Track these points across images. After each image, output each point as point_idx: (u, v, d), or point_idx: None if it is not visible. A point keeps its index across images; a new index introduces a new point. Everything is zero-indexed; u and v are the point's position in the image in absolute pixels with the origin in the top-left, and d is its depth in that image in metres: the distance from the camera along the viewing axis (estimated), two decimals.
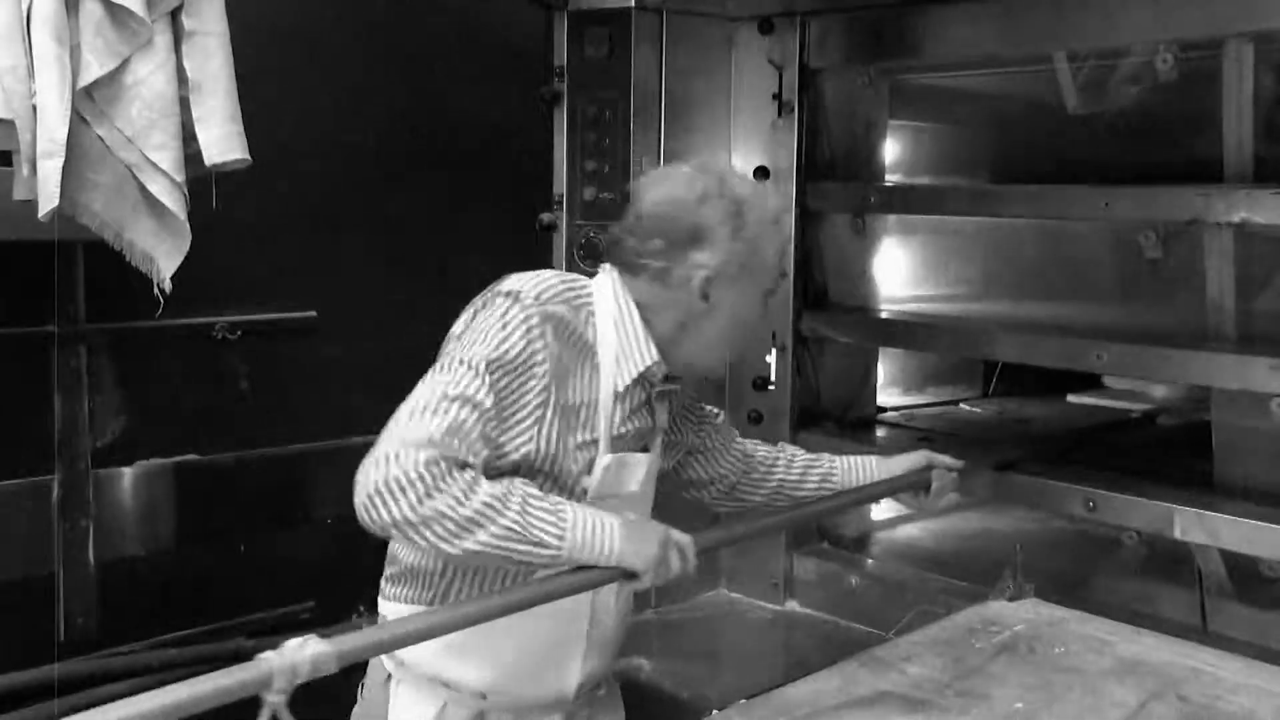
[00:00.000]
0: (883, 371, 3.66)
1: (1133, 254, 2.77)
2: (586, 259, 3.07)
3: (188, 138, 2.26)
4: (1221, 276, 2.66)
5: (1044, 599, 2.48)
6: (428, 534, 1.63)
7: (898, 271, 3.56)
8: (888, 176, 3.51)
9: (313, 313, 2.97)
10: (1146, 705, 1.96)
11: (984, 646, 2.22)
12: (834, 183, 3.29)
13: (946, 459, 2.28)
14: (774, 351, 3.26)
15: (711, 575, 3.31)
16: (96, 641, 2.68)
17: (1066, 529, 3.22)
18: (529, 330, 1.73)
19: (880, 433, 3.44)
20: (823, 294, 3.36)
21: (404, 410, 1.68)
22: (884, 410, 3.58)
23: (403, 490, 1.62)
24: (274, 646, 1.57)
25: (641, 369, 1.84)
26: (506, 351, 1.71)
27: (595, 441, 1.82)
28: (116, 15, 2.13)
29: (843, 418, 3.40)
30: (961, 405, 3.66)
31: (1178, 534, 2.54)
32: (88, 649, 2.66)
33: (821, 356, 3.34)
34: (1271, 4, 2.45)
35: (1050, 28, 2.78)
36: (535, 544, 1.65)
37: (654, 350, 1.84)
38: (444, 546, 1.63)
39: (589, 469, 1.82)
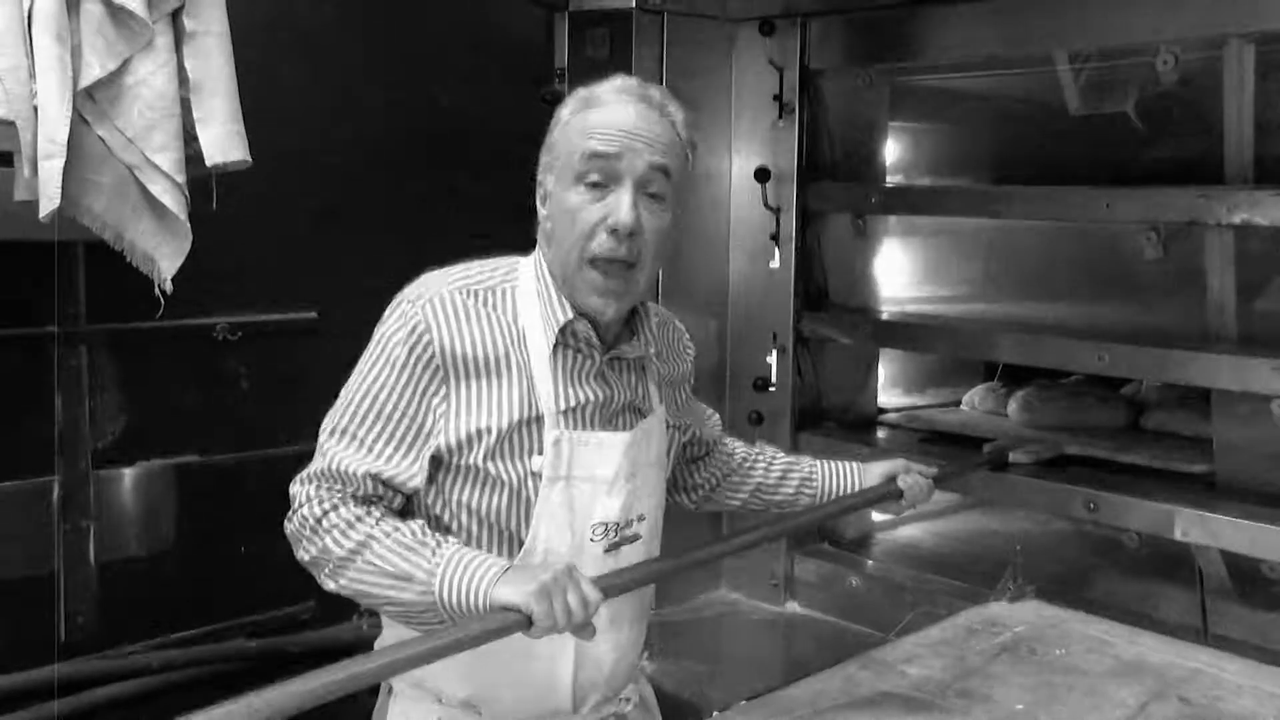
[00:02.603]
0: (883, 372, 3.66)
1: (1133, 254, 2.77)
2: None
3: (188, 138, 2.27)
4: (1222, 277, 2.66)
5: (1045, 600, 2.48)
6: (320, 574, 1.70)
7: (898, 272, 3.57)
8: (888, 177, 3.51)
9: (313, 313, 2.97)
10: (1147, 706, 1.96)
11: (984, 648, 2.22)
12: (834, 183, 3.29)
13: (920, 467, 2.19)
14: (774, 352, 3.26)
15: (712, 576, 3.31)
16: (96, 641, 2.68)
17: (1066, 529, 3.22)
18: (409, 333, 1.70)
19: (881, 433, 3.44)
20: (823, 294, 3.36)
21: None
22: (884, 411, 3.58)
23: (299, 532, 1.70)
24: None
25: (558, 327, 1.69)
26: (381, 368, 1.71)
27: (540, 418, 1.68)
28: (117, 16, 2.13)
29: (843, 418, 3.40)
30: (962, 405, 3.66)
31: (1178, 535, 2.54)
32: (88, 649, 2.66)
33: (822, 357, 3.35)
34: (1271, 4, 2.45)
35: (1050, 28, 2.78)
36: (402, 577, 1.59)
37: (568, 307, 1.68)
38: (327, 584, 1.69)
39: (539, 448, 1.68)
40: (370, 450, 1.67)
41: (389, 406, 1.68)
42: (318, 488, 1.69)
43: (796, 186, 3.21)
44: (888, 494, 2.13)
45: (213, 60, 2.26)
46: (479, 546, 1.72)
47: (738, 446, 2.13)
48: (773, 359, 3.26)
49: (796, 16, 3.17)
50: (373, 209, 3.07)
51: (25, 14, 2.04)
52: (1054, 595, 2.48)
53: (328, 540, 1.66)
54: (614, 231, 1.63)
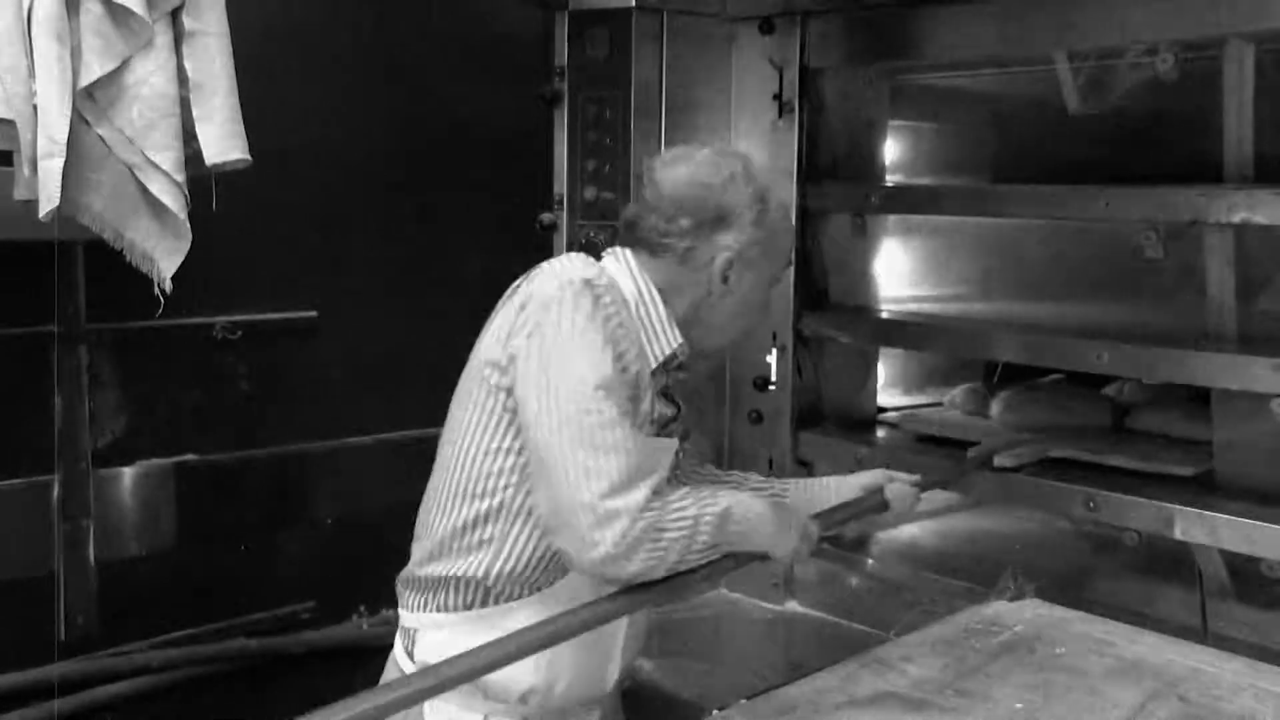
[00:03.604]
0: (883, 371, 3.66)
1: (1133, 254, 2.76)
2: None
3: (188, 138, 2.26)
4: (1222, 276, 2.66)
5: (1044, 599, 2.48)
6: (660, 570, 1.69)
7: (898, 271, 3.56)
8: (888, 177, 3.51)
9: (313, 313, 2.98)
10: (1147, 706, 1.96)
11: (984, 647, 2.22)
12: (834, 183, 3.29)
13: (904, 476, 2.23)
14: (774, 351, 3.26)
15: None
16: (96, 641, 2.68)
17: (1066, 529, 3.21)
18: (606, 320, 1.72)
19: (880, 433, 3.44)
20: (823, 294, 3.36)
21: (572, 467, 1.64)
22: (884, 410, 3.58)
23: (639, 542, 1.64)
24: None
25: (670, 350, 1.83)
26: (611, 361, 1.70)
27: (644, 425, 1.81)
28: (117, 15, 2.13)
29: (843, 418, 3.39)
30: (943, 406, 3.65)
31: (1178, 534, 2.54)
32: (88, 649, 2.66)
33: (822, 357, 3.34)
34: (1271, 4, 2.45)
35: (1050, 28, 2.78)
36: (712, 547, 1.72)
37: (678, 333, 1.85)
38: (675, 570, 1.70)
39: None
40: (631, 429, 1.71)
41: (616, 388, 1.71)
42: (633, 513, 1.64)
43: (796, 186, 3.21)
44: (874, 506, 2.17)
45: (212, 60, 2.26)
46: None
47: (716, 472, 2.20)
48: (772, 358, 3.25)
49: (796, 15, 3.16)
50: (372, 209, 3.07)
51: (25, 14, 2.04)
52: (1054, 595, 2.48)
53: (670, 535, 1.67)
54: None
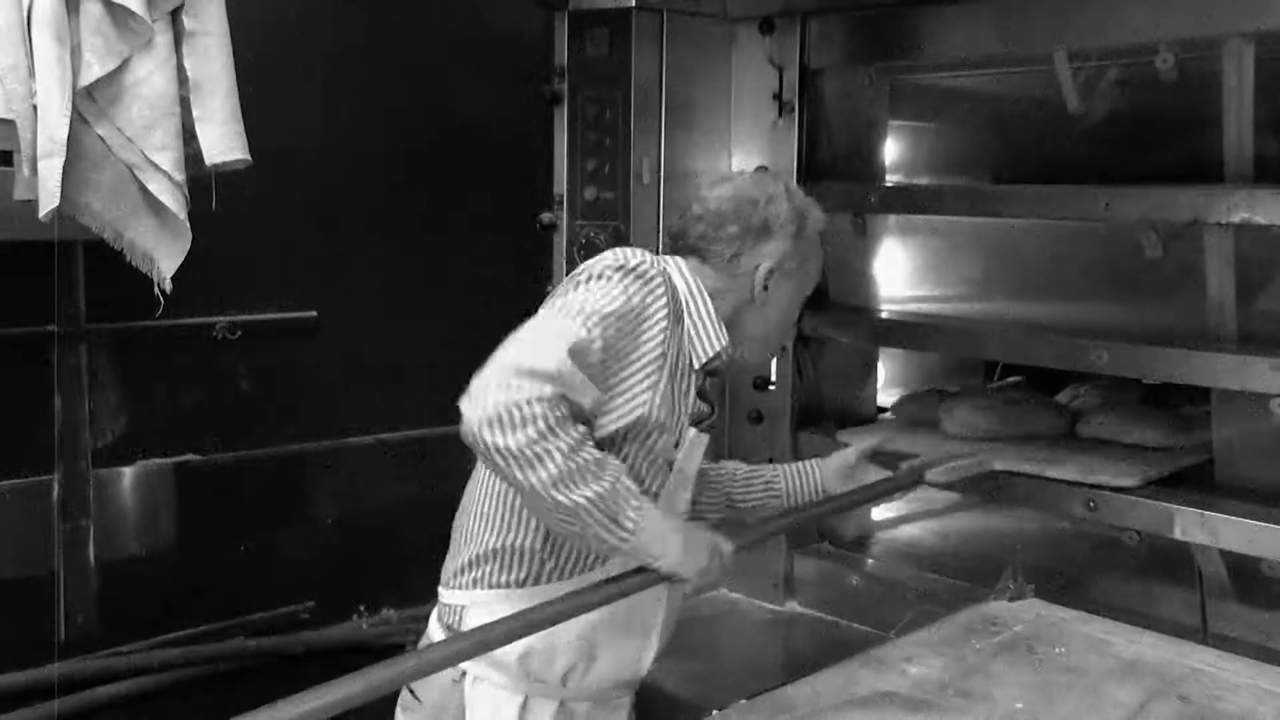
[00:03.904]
0: (883, 371, 3.66)
1: (1133, 254, 2.76)
2: (586, 259, 3.06)
3: (188, 137, 2.27)
4: (1222, 276, 2.66)
5: (1044, 599, 2.48)
6: (531, 475, 1.64)
7: (898, 271, 3.56)
8: (888, 176, 3.51)
9: (313, 313, 2.98)
10: (1147, 705, 1.96)
11: (984, 647, 2.22)
12: (834, 182, 3.28)
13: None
14: None
15: None
16: (96, 641, 2.68)
17: (1066, 529, 3.21)
18: (652, 289, 1.81)
19: None
20: (823, 294, 3.35)
21: (522, 339, 1.71)
22: (884, 410, 3.58)
23: (524, 422, 1.63)
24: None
25: (718, 348, 1.92)
26: (625, 308, 1.77)
27: (685, 418, 1.91)
28: (117, 15, 2.13)
29: (843, 418, 3.39)
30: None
31: (1178, 534, 2.54)
32: (88, 649, 2.66)
33: (822, 356, 3.34)
34: (1271, 4, 2.45)
35: (1050, 28, 2.78)
36: (613, 521, 1.69)
37: (725, 333, 1.94)
38: (541, 492, 1.65)
39: (678, 442, 1.91)
40: (605, 381, 1.76)
41: (636, 354, 1.79)
42: (555, 391, 1.65)
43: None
44: (910, 482, 2.36)
45: (212, 60, 2.26)
46: None
47: (707, 464, 2.23)
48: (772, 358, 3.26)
49: (796, 15, 3.16)
50: (372, 209, 3.07)
51: (25, 13, 2.04)
52: (1054, 595, 2.48)
53: (560, 444, 1.64)
54: None
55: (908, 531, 3.50)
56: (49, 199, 2.07)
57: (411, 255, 3.17)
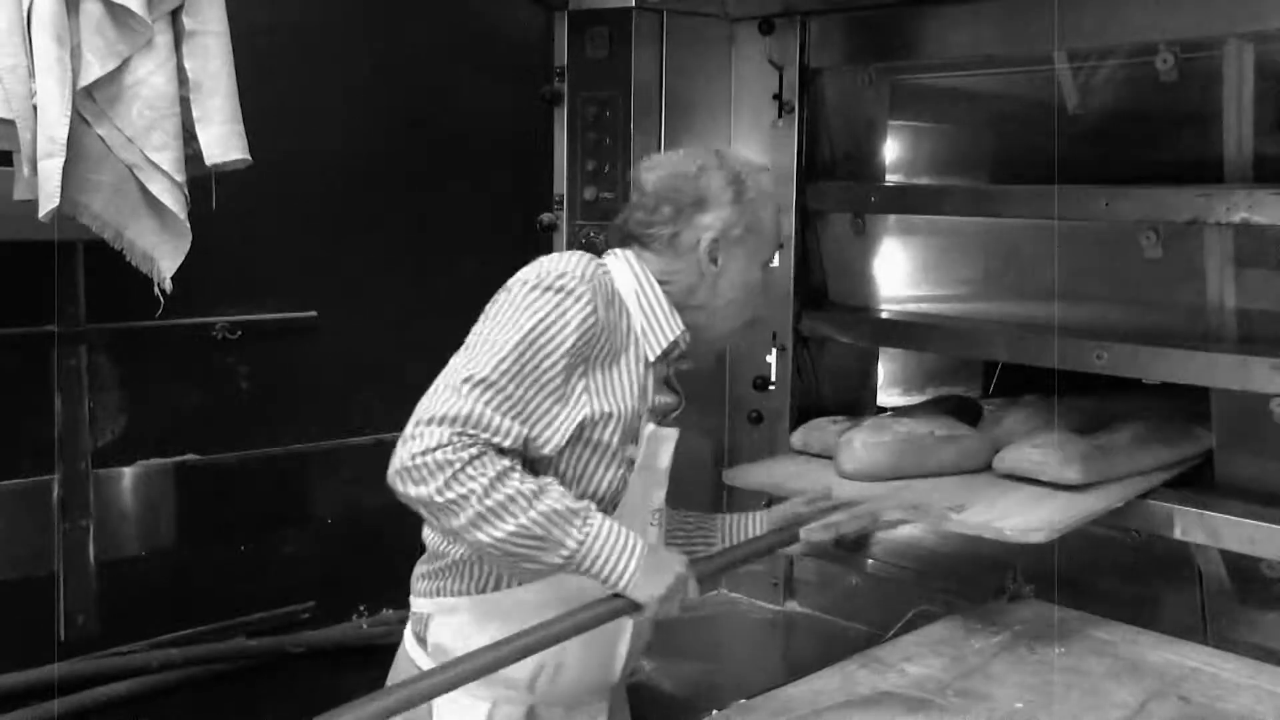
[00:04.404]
0: (883, 371, 3.66)
1: (1133, 254, 2.76)
2: None
3: (188, 138, 2.26)
4: (1222, 276, 2.66)
5: (1044, 599, 2.48)
6: (452, 521, 1.67)
7: (898, 271, 3.56)
8: (888, 176, 3.51)
9: (313, 313, 2.97)
10: (1147, 705, 1.96)
11: (984, 647, 2.23)
12: (834, 183, 3.29)
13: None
14: (774, 351, 3.26)
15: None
16: (96, 641, 2.68)
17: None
18: (564, 302, 1.77)
19: None
20: (823, 294, 3.36)
21: (433, 386, 1.74)
22: (884, 410, 3.58)
23: (431, 472, 1.66)
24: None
25: (672, 338, 1.90)
26: (534, 328, 1.75)
27: (641, 412, 1.88)
28: (117, 15, 2.13)
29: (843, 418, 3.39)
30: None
31: (1178, 534, 2.54)
32: (88, 649, 2.66)
33: (822, 356, 3.34)
34: (1271, 4, 2.45)
35: (1050, 28, 2.78)
36: (554, 545, 1.68)
37: (680, 320, 1.92)
38: (466, 536, 1.68)
39: (635, 439, 1.87)
40: (522, 410, 1.73)
41: (548, 375, 1.75)
42: (457, 433, 1.68)
43: (796, 185, 3.21)
44: (773, 545, 2.11)
45: (212, 60, 2.26)
46: None
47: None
48: (772, 358, 3.26)
49: (796, 15, 3.17)
50: (372, 209, 3.07)
51: (25, 13, 2.04)
52: (1053, 594, 2.48)
53: (473, 486, 1.66)
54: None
55: (908, 532, 3.49)
56: (49, 199, 2.07)
57: (412, 255, 3.17)
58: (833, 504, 2.18)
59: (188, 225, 2.28)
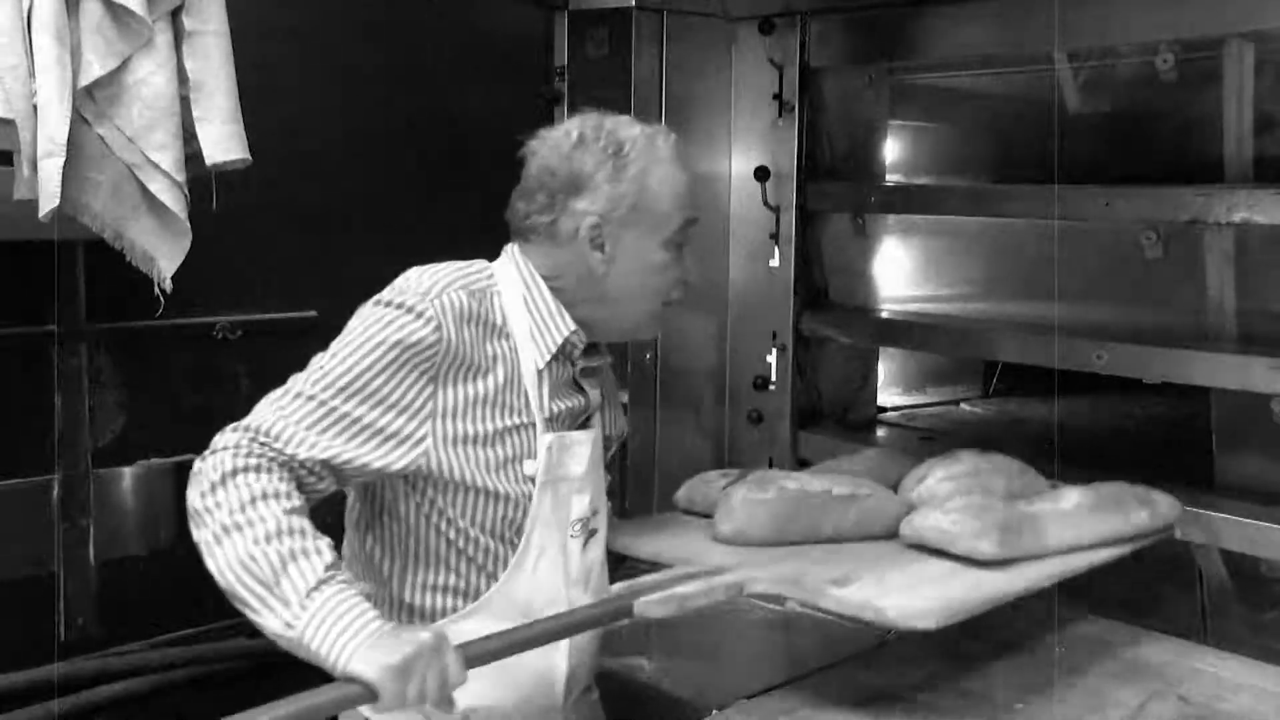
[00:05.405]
0: (883, 371, 3.66)
1: (1133, 254, 2.76)
2: None
3: (188, 137, 2.26)
4: (1222, 276, 2.66)
5: (1044, 599, 2.47)
6: (197, 530, 1.53)
7: (898, 271, 3.56)
8: (888, 176, 3.51)
9: (313, 313, 2.97)
10: (1147, 706, 1.96)
11: (984, 647, 2.22)
12: (834, 183, 3.29)
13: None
14: (774, 351, 3.26)
15: None
16: (96, 641, 2.67)
17: None
18: (423, 327, 1.66)
19: (881, 433, 3.44)
20: (823, 294, 3.36)
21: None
22: (884, 410, 3.58)
23: (205, 473, 1.56)
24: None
25: (560, 340, 1.77)
26: (372, 348, 1.65)
27: (529, 425, 1.74)
28: (117, 15, 2.13)
29: (843, 418, 3.40)
30: (962, 405, 3.65)
31: (1178, 534, 2.54)
32: (88, 649, 2.66)
33: (822, 356, 3.34)
34: (1271, 4, 2.45)
35: (1050, 28, 2.78)
36: (271, 587, 1.47)
37: (569, 320, 1.78)
38: (204, 555, 1.51)
39: (529, 453, 1.74)
40: (340, 429, 1.62)
41: (384, 390, 1.64)
42: (249, 439, 1.58)
43: (796, 185, 3.21)
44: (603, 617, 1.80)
45: (212, 59, 2.26)
46: (466, 560, 1.73)
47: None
48: (772, 358, 3.26)
49: (796, 15, 3.17)
50: (372, 208, 3.07)
51: (25, 13, 2.04)
52: (1054, 595, 2.48)
53: (231, 498, 1.51)
54: (686, 286, 1.85)
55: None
56: (49, 199, 2.07)
57: (411, 255, 3.15)
58: (689, 572, 1.85)
59: (188, 225, 2.28)
